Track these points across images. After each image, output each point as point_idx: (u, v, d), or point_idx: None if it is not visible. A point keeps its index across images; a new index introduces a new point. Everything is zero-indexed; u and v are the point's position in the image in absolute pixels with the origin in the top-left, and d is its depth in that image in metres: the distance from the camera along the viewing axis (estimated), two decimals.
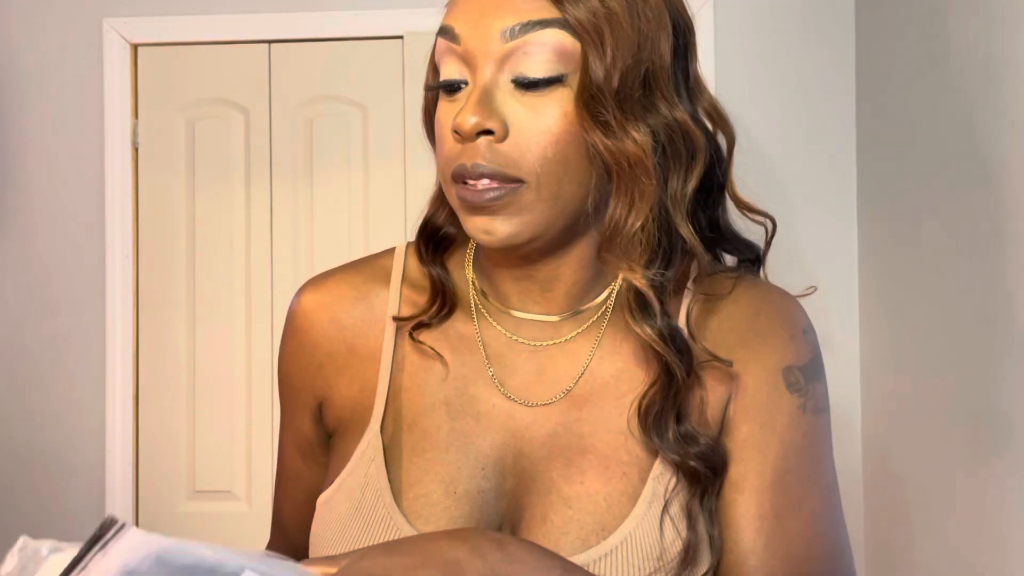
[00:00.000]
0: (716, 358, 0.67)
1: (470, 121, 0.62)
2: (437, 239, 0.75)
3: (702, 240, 0.70)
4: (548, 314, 0.71)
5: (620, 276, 0.69)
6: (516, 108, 0.63)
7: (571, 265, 0.69)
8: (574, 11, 0.62)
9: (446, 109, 0.66)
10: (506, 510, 0.68)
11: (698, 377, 0.68)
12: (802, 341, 0.71)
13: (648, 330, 0.66)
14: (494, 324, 0.72)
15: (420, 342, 0.72)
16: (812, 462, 0.69)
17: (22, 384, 2.31)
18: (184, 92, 2.33)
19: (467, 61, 0.64)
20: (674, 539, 0.65)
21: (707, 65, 2.17)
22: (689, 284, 0.72)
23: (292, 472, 0.82)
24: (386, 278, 0.76)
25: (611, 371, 0.70)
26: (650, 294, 0.65)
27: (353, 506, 0.69)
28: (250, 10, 2.28)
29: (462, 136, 0.63)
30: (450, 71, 0.65)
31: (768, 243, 0.76)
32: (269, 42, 2.31)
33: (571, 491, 0.67)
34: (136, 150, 2.32)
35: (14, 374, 2.31)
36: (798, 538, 0.66)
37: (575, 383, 0.70)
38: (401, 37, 2.24)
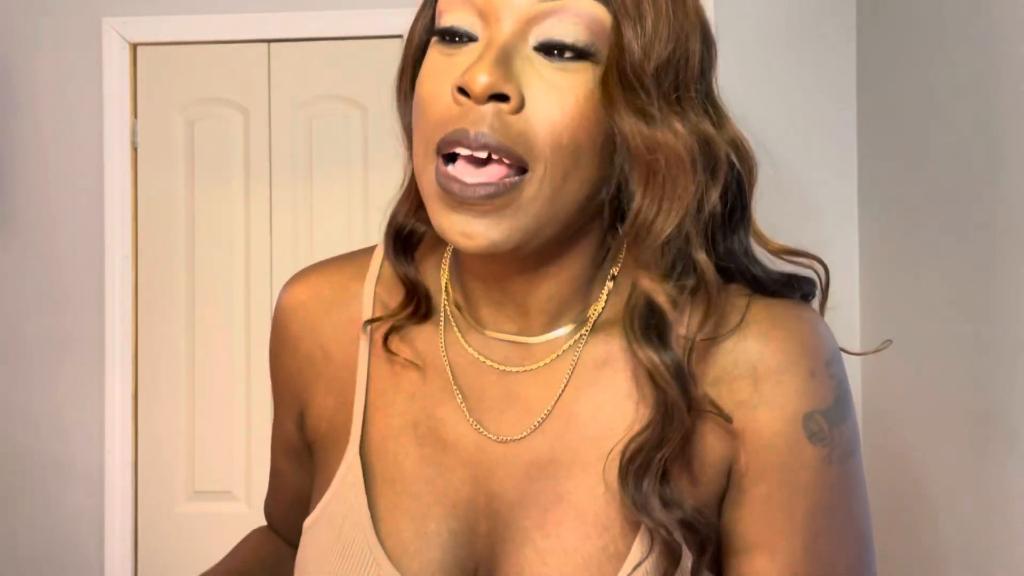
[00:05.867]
0: (717, 411, 0.57)
1: (483, 80, 0.52)
2: (406, 235, 0.66)
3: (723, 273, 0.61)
4: (520, 334, 0.62)
5: (604, 296, 0.62)
6: (535, 80, 0.54)
7: (551, 278, 0.60)
8: None
9: (441, 64, 0.56)
10: (482, 555, 0.61)
11: (693, 426, 0.58)
12: (825, 377, 0.59)
13: (654, 357, 0.56)
14: (461, 339, 0.64)
15: (393, 352, 0.65)
16: (843, 516, 0.59)
17: (21, 384, 2.31)
18: (184, 92, 2.33)
19: (485, 14, 0.55)
20: None
21: None
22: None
23: (279, 471, 0.77)
24: (363, 278, 0.69)
25: (588, 408, 0.60)
26: (669, 313, 0.56)
27: (334, 535, 0.63)
28: (250, 10, 2.28)
29: (471, 96, 0.52)
30: (459, 19, 0.56)
31: (824, 290, 0.64)
32: (269, 42, 2.30)
33: (546, 545, 0.59)
34: (135, 150, 2.32)
35: (13, 374, 2.31)
36: None
37: (546, 417, 0.61)
38: (401, 37, 2.23)
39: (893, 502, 1.95)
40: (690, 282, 0.57)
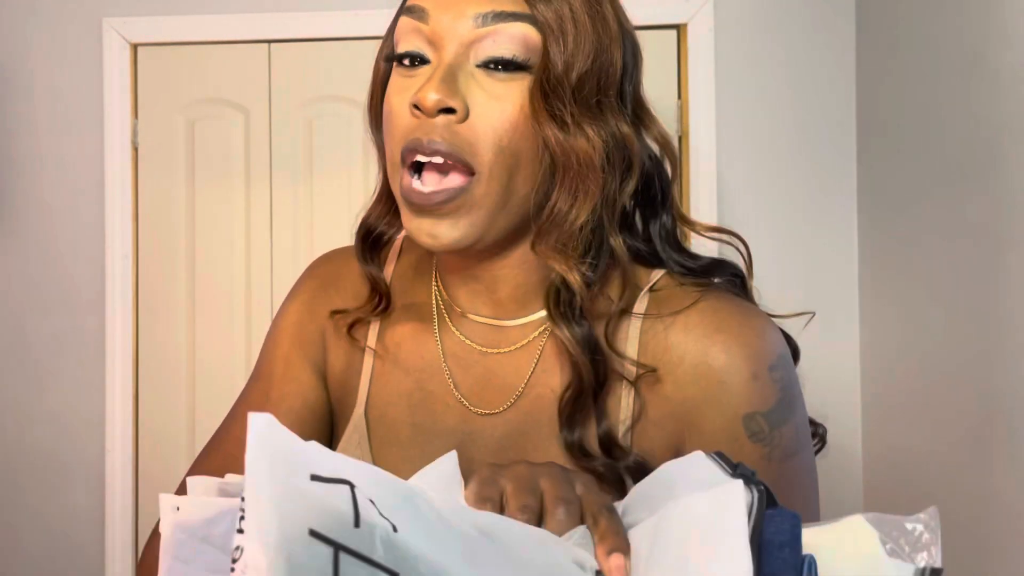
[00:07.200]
0: (642, 365, 0.65)
1: (432, 97, 0.61)
2: (374, 237, 0.75)
3: (652, 257, 0.70)
4: (496, 317, 0.71)
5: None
6: (478, 92, 0.63)
7: (513, 266, 0.69)
8: (543, 9, 0.63)
9: (402, 84, 0.65)
10: None
11: (645, 409, 0.65)
12: (767, 381, 0.64)
13: (565, 330, 0.65)
14: (449, 324, 0.73)
15: (355, 338, 0.74)
16: None
17: (22, 383, 2.31)
18: (184, 92, 2.33)
19: (433, 42, 0.64)
20: None
21: (707, 65, 2.17)
22: (644, 294, 0.68)
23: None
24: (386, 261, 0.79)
25: (551, 387, 0.68)
26: (580, 290, 0.64)
27: None
28: (250, 10, 2.28)
29: (423, 111, 0.62)
30: (413, 46, 0.66)
31: (748, 264, 0.72)
32: (269, 42, 2.30)
33: None
34: (136, 150, 2.32)
35: (14, 373, 2.31)
36: None
37: (518, 396, 0.69)
38: None
39: (891, 502, 1.95)
40: (603, 262, 0.66)
